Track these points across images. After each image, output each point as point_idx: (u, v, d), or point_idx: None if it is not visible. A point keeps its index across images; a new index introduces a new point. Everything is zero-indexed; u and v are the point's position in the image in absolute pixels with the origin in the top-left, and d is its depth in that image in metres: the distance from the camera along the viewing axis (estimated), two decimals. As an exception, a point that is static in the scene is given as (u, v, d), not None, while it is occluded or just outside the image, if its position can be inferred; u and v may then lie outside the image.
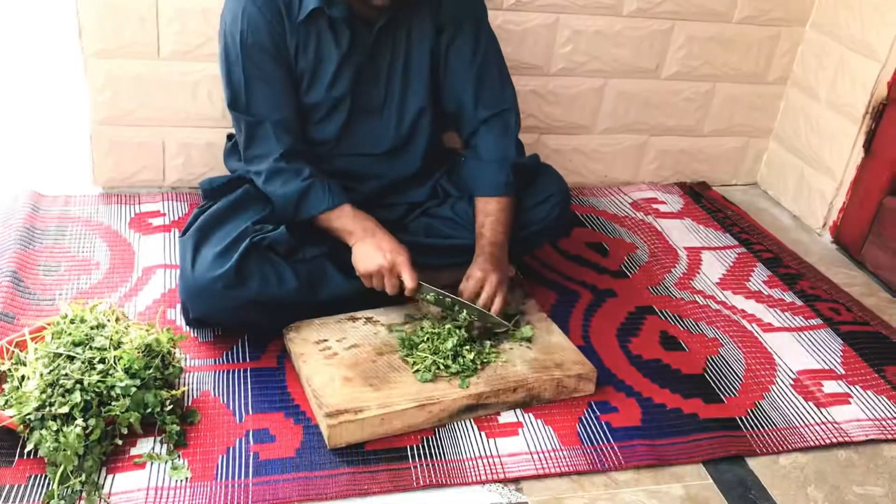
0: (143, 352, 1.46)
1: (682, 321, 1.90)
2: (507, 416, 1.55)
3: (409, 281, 1.60)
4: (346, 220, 1.64)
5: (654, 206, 2.50)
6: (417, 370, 1.54)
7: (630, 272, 2.14)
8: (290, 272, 1.62)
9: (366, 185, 1.78)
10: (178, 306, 1.73)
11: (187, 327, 1.72)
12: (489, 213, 1.73)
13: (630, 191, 2.62)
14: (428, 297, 1.63)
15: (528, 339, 1.64)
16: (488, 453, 1.46)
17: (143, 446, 1.41)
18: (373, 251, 1.60)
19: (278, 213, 1.64)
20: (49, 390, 1.36)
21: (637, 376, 1.70)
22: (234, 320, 1.62)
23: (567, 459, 1.46)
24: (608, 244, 2.29)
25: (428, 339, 1.60)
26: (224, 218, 1.68)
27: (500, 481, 1.42)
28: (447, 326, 1.61)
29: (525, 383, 1.55)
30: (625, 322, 1.89)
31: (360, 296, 1.74)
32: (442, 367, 1.55)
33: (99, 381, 1.39)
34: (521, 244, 1.84)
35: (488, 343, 1.64)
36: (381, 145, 1.75)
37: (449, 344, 1.57)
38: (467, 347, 1.59)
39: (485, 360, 1.59)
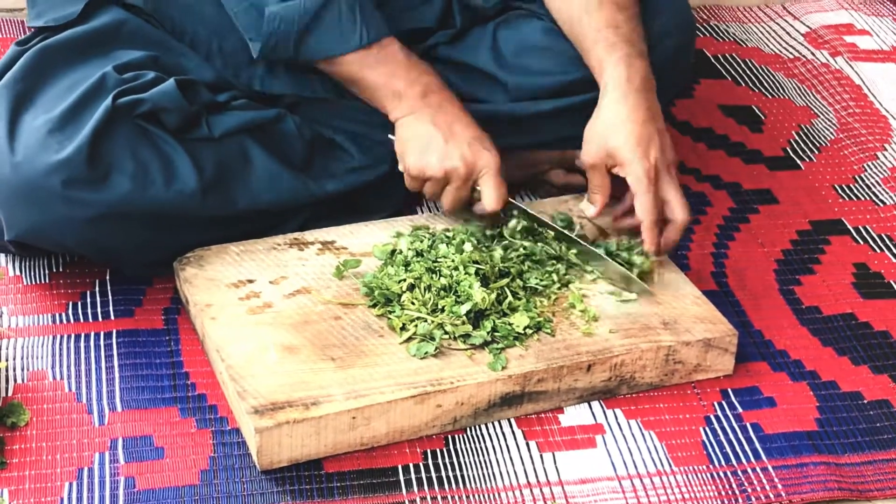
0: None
1: (895, 245, 1.90)
2: (575, 415, 1.56)
3: (492, 199, 1.66)
4: (391, 67, 1.67)
5: (848, 38, 2.46)
6: (410, 338, 1.55)
7: (802, 159, 2.13)
8: (185, 160, 1.63)
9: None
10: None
11: (2, 256, 1.74)
12: (620, 4, 1.72)
13: (804, 11, 2.58)
14: (515, 222, 1.68)
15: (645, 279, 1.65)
16: (541, 479, 1.48)
17: (-68, 467, 1.44)
18: (442, 139, 1.65)
19: (265, 48, 1.65)
20: None
21: (811, 344, 1.71)
22: (84, 244, 1.63)
23: (684, 491, 1.48)
24: (764, 109, 2.27)
25: (419, 284, 1.59)
26: (65, 58, 1.68)
27: (562, 527, 1.45)
28: (457, 252, 1.62)
29: (608, 356, 1.56)
30: (791, 250, 1.89)
31: (312, 205, 1.75)
32: (453, 334, 1.55)
33: None
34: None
35: (542, 279, 1.65)
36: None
37: (467, 305, 1.56)
38: (503, 292, 1.60)
39: (536, 319, 1.59)
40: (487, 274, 1.59)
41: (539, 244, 1.67)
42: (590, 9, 1.73)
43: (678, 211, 1.65)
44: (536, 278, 1.64)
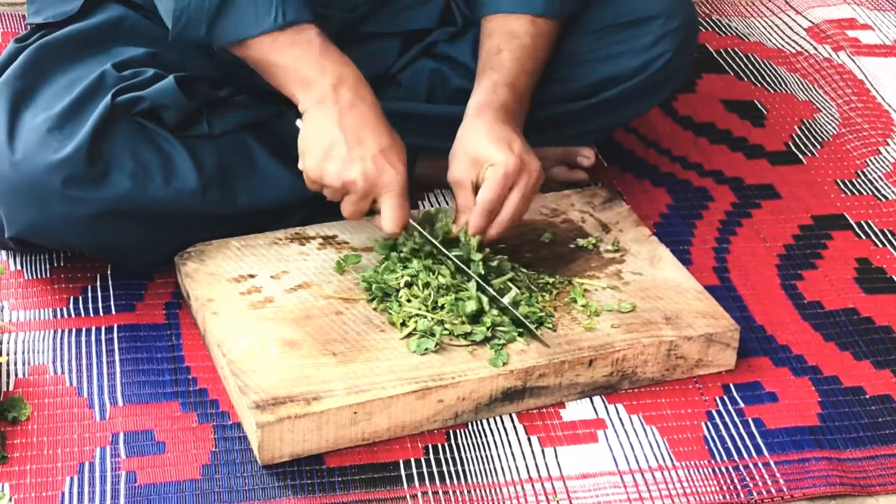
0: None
1: (898, 241, 1.91)
2: (577, 410, 1.57)
3: (390, 221, 1.56)
4: (302, 52, 1.57)
5: (851, 33, 2.46)
6: (410, 334, 1.55)
7: (805, 154, 2.13)
8: (185, 158, 1.63)
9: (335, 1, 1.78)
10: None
11: (3, 253, 1.74)
12: (513, 34, 1.71)
13: (807, 6, 2.58)
14: (413, 244, 1.62)
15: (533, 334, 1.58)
16: (543, 474, 1.48)
17: (-67, 461, 1.44)
18: (346, 146, 1.54)
19: (175, 28, 1.59)
20: None
21: (813, 339, 1.71)
22: (84, 242, 1.63)
23: (686, 485, 1.48)
24: (766, 104, 2.27)
25: (417, 282, 1.59)
26: (64, 55, 1.67)
27: (564, 522, 1.45)
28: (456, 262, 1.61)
29: (610, 351, 1.56)
30: (793, 244, 1.90)
31: (313, 202, 1.76)
32: (453, 332, 1.55)
33: None
34: (599, 114, 1.86)
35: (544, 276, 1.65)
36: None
37: (470, 305, 1.56)
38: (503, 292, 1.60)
39: (535, 312, 1.59)
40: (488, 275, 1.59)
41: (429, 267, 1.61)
42: (486, 35, 1.73)
43: (507, 208, 1.59)
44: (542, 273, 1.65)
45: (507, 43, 1.71)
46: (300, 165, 1.59)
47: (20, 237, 1.62)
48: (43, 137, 1.56)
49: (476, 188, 1.60)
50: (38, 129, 1.57)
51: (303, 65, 1.57)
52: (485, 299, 1.56)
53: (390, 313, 1.57)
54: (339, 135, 1.54)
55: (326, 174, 1.55)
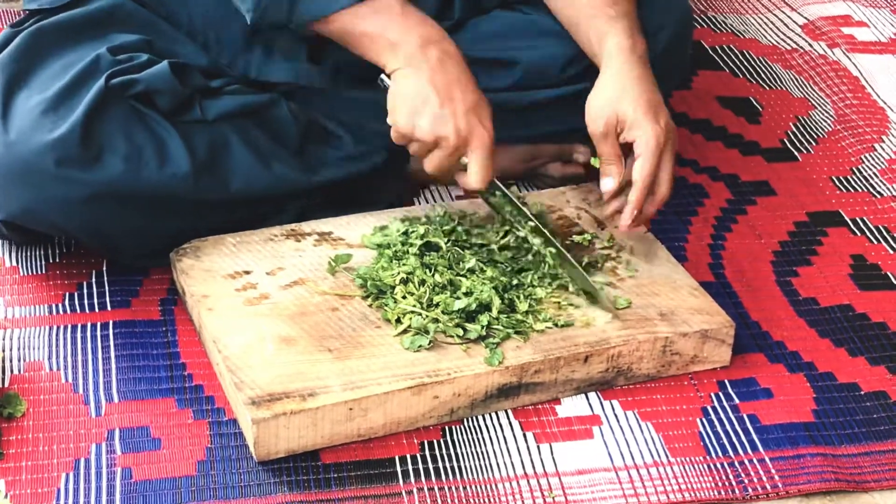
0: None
1: (894, 238, 1.90)
2: (572, 406, 1.57)
3: (477, 178, 1.60)
4: (386, 18, 1.60)
5: (846, 30, 2.47)
6: (405, 331, 1.56)
7: (800, 151, 2.13)
8: (178, 143, 1.63)
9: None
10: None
11: (-1, 249, 1.74)
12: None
13: (802, 2, 2.59)
14: (494, 199, 1.66)
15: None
16: (538, 470, 1.48)
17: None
18: (437, 102, 1.57)
19: (256, 12, 1.61)
20: None
21: (808, 335, 1.72)
22: (78, 226, 1.63)
23: (681, 481, 1.49)
24: (761, 101, 2.28)
25: (413, 279, 1.60)
26: (59, 40, 1.69)
27: (559, 518, 1.45)
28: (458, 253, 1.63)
29: (606, 347, 1.56)
30: (789, 241, 1.90)
31: (308, 194, 1.76)
32: (447, 331, 1.55)
33: None
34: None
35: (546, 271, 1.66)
36: None
37: (460, 304, 1.56)
38: (501, 284, 1.60)
39: (534, 307, 1.59)
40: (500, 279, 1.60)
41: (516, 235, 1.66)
42: None
43: (664, 185, 1.63)
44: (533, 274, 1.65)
45: (605, 9, 1.69)
46: (389, 120, 1.61)
47: (13, 220, 1.63)
48: (37, 119, 1.57)
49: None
50: (32, 110, 1.58)
51: (388, 30, 1.59)
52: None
53: (385, 310, 1.58)
54: (430, 91, 1.57)
55: (419, 129, 1.58)
